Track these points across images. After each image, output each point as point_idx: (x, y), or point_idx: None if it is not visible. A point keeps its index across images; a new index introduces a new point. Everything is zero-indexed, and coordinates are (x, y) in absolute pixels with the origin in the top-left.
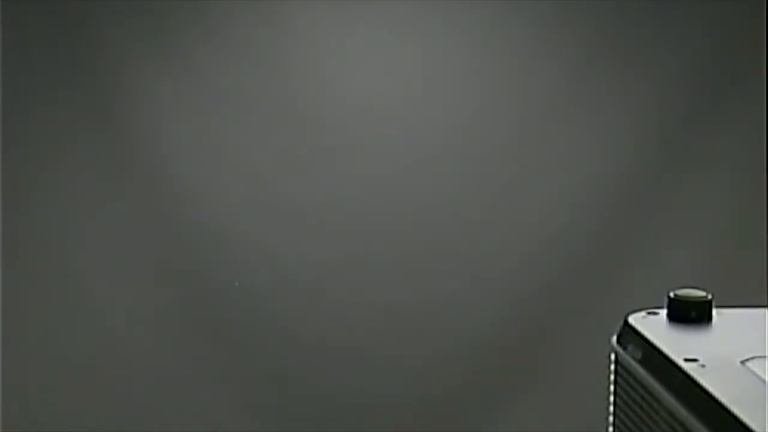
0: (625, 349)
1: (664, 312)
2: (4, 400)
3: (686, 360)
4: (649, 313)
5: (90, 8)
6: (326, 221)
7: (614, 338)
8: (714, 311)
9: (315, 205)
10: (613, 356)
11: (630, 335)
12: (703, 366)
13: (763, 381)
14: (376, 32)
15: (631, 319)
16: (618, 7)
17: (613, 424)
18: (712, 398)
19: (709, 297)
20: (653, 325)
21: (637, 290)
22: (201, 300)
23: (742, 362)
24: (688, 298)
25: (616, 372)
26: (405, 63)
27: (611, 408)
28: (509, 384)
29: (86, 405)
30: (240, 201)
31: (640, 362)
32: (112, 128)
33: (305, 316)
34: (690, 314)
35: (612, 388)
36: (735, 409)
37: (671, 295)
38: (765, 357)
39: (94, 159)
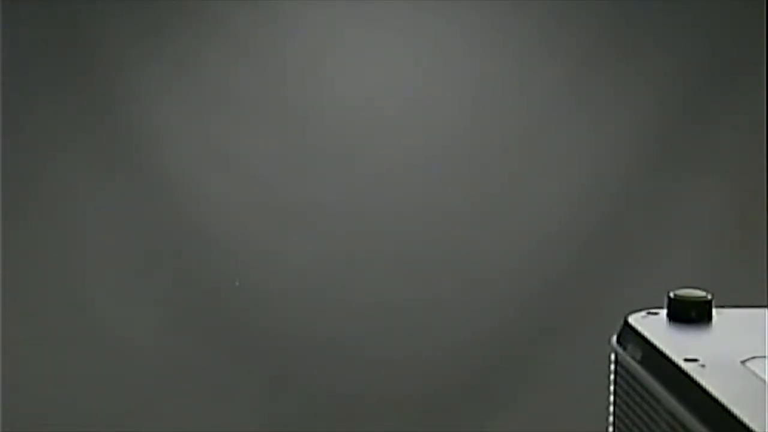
0: (625, 349)
1: (664, 312)
2: (4, 400)
3: (686, 360)
4: (649, 313)
5: (90, 8)
6: (326, 221)
7: (614, 338)
8: (714, 311)
9: (315, 205)
10: (613, 356)
11: (630, 335)
12: (703, 366)
13: (763, 381)
14: (375, 32)
15: (631, 319)
16: (617, 8)
17: (613, 424)
18: (712, 398)
19: (709, 297)
20: (653, 325)
21: (637, 290)
22: (201, 300)
23: (742, 362)
24: (688, 298)
25: (616, 372)
26: (405, 63)
27: (611, 408)
28: (509, 384)
29: (86, 405)
30: (239, 200)
31: (640, 362)
32: (111, 128)
33: (305, 316)
34: (690, 314)
35: (612, 388)
36: (735, 409)
37: (671, 295)
38: (765, 357)
39: (93, 158)
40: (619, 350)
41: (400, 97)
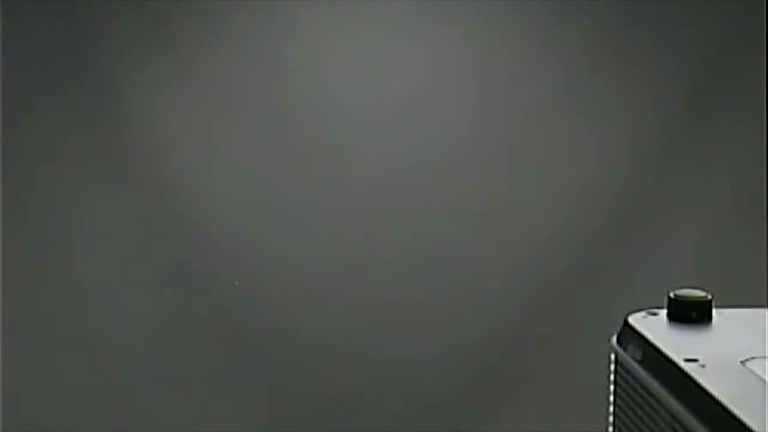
0: (625, 349)
1: (664, 312)
2: (4, 401)
3: (686, 360)
4: (649, 313)
5: (90, 8)
6: (326, 221)
7: (614, 338)
8: (714, 311)
9: (314, 205)
10: (613, 356)
11: (630, 335)
12: (703, 366)
13: (763, 381)
14: (375, 32)
15: (631, 319)
16: (617, 8)
17: (613, 424)
18: (712, 398)
19: (709, 297)
20: (653, 325)
21: (637, 290)
22: (200, 300)
23: (742, 362)
24: (688, 298)
25: (616, 372)
26: (405, 63)
27: (611, 408)
28: (509, 384)
29: (86, 405)
30: (239, 200)
31: (640, 362)
32: (111, 127)
33: (305, 316)
34: (690, 314)
35: (612, 388)
36: (735, 409)
37: (671, 295)
38: (765, 357)
39: (93, 158)
40: (619, 350)
41: (400, 97)
